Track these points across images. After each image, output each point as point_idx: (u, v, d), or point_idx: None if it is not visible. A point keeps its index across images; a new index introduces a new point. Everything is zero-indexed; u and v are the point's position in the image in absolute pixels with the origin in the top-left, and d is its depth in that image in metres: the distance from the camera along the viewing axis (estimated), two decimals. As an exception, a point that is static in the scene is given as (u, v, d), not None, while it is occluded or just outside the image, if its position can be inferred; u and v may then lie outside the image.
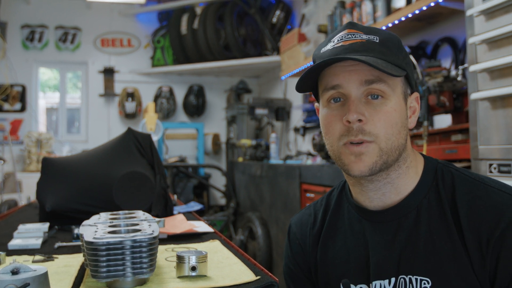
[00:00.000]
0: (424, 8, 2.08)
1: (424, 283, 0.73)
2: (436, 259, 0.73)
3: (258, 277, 0.70)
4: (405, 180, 0.79)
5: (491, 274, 0.70)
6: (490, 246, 0.69)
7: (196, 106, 5.20)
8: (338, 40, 0.78)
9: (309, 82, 0.81)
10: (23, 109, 4.77)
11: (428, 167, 0.81)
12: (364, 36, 0.77)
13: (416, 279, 0.74)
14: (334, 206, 0.89)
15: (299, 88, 0.81)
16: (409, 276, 0.75)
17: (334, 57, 0.74)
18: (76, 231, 1.04)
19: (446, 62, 2.34)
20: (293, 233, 0.94)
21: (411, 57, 1.90)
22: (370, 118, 0.74)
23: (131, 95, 4.96)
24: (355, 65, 0.74)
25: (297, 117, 4.23)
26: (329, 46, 0.78)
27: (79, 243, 0.98)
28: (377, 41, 0.76)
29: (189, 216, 1.39)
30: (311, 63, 0.80)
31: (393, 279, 0.76)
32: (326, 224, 0.88)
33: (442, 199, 0.76)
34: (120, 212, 0.85)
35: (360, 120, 0.74)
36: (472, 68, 1.41)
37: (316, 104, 0.88)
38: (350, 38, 0.77)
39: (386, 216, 0.79)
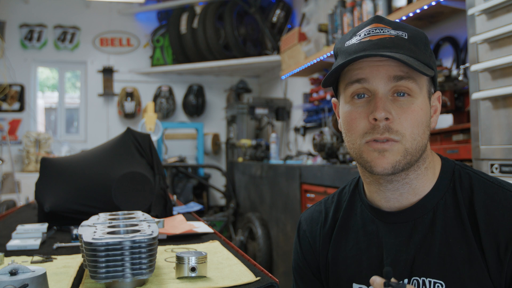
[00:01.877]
0: (425, 7, 2.07)
1: (438, 286, 0.72)
2: (451, 262, 0.72)
3: (258, 278, 0.70)
4: (423, 181, 0.77)
5: (507, 280, 0.69)
6: (508, 252, 0.68)
7: (195, 106, 5.20)
8: (365, 34, 0.74)
9: (332, 77, 0.78)
10: (21, 109, 4.76)
11: (445, 168, 0.79)
12: (393, 32, 0.74)
13: (430, 282, 0.72)
14: (347, 205, 0.87)
15: (326, 83, 0.78)
16: (422, 278, 0.73)
17: (365, 53, 0.70)
18: (75, 231, 1.04)
19: (448, 62, 2.34)
20: (303, 230, 0.93)
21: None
22: (397, 116, 0.72)
23: (130, 94, 4.95)
24: (383, 60, 0.72)
25: (297, 117, 4.22)
26: (355, 40, 0.75)
27: (78, 243, 0.98)
28: (406, 37, 0.73)
29: (189, 216, 1.38)
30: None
31: (405, 281, 0.75)
32: (338, 223, 0.87)
33: (459, 202, 0.74)
34: (119, 212, 0.85)
35: (387, 119, 0.71)
36: (474, 67, 1.40)
37: (333, 99, 0.85)
38: (378, 33, 0.74)
39: (401, 217, 0.78)
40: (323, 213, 0.90)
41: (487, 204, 0.72)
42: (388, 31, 0.74)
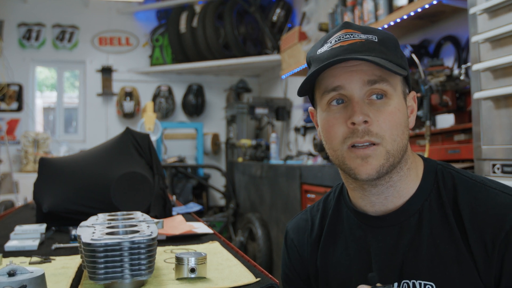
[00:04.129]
0: (427, 6, 2.07)
1: (428, 287, 0.72)
2: (440, 262, 0.72)
3: (258, 279, 0.70)
4: (407, 183, 0.77)
5: (496, 277, 0.69)
6: (496, 249, 0.68)
7: (195, 106, 5.19)
8: (335, 41, 0.75)
9: (307, 85, 0.78)
10: (19, 108, 4.75)
11: (428, 169, 0.79)
12: (363, 36, 0.75)
13: (420, 284, 0.73)
14: (333, 212, 0.87)
15: (301, 92, 0.79)
16: (412, 281, 0.73)
17: (337, 58, 0.71)
18: (73, 232, 1.03)
19: (449, 61, 2.33)
20: (290, 239, 0.93)
21: (413, 56, 1.89)
22: (375, 119, 0.72)
23: (130, 94, 4.94)
24: (356, 65, 0.72)
25: (297, 117, 4.22)
26: (326, 47, 0.76)
27: (76, 244, 0.97)
28: (376, 40, 0.74)
29: (188, 217, 1.37)
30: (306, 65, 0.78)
31: (395, 284, 0.75)
32: (325, 230, 0.87)
33: (444, 202, 0.75)
34: (118, 213, 0.84)
35: (365, 122, 0.71)
36: (475, 67, 1.39)
37: (310, 108, 0.85)
38: (348, 38, 0.74)
39: (387, 221, 0.78)
40: (309, 222, 0.91)
41: (471, 203, 0.72)
42: (358, 35, 0.75)
